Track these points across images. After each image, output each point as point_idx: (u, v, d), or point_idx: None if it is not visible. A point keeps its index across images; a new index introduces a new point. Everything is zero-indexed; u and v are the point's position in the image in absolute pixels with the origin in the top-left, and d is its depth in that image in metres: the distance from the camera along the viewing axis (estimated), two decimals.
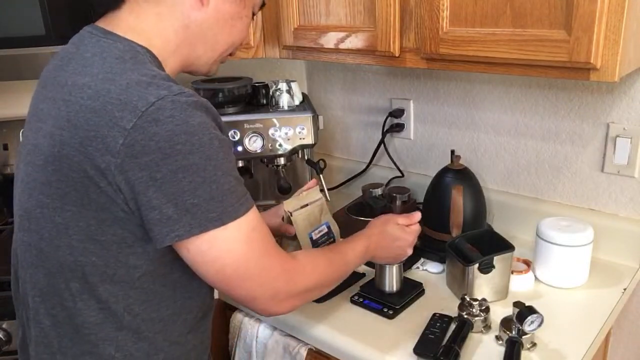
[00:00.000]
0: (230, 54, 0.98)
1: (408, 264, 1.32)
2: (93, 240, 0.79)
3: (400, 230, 1.13)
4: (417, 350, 1.02)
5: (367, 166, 1.75)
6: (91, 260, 0.80)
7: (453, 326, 1.08)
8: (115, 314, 0.82)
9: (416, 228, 1.15)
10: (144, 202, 0.74)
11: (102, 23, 0.85)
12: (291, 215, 1.18)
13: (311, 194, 1.23)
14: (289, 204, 1.19)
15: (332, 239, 1.26)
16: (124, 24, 0.83)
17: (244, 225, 0.79)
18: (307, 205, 1.21)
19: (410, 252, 1.15)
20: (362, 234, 1.10)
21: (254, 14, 0.96)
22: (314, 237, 1.22)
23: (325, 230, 1.24)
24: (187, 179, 0.73)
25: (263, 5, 0.99)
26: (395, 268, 1.17)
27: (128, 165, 0.72)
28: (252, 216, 0.81)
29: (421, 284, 1.23)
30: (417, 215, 1.16)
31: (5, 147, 1.70)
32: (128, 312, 0.83)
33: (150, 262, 0.81)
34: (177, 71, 0.91)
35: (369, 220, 1.45)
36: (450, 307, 1.16)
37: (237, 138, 1.39)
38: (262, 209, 1.26)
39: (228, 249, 0.78)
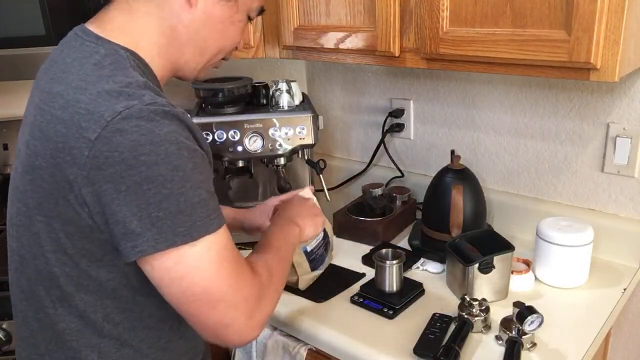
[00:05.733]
0: (224, 58, 0.96)
1: (408, 264, 1.32)
2: (63, 252, 0.78)
3: (311, 205, 1.15)
4: (417, 350, 1.02)
5: (367, 166, 1.75)
6: (64, 271, 0.79)
7: (453, 326, 1.08)
8: (94, 323, 0.81)
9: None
10: (109, 216, 0.72)
11: (91, 24, 0.83)
12: None
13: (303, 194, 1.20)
14: None
15: (327, 242, 1.24)
16: (112, 23, 0.82)
17: (215, 242, 0.75)
18: None
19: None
20: (286, 222, 1.05)
21: (250, 19, 0.94)
22: (309, 249, 1.19)
23: (322, 235, 1.22)
24: (152, 190, 0.70)
25: (262, 11, 0.95)
26: (395, 268, 1.17)
27: (94, 177, 0.71)
28: (223, 234, 0.77)
29: (421, 284, 1.23)
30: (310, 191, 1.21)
31: (5, 147, 1.71)
32: (107, 321, 0.81)
33: (123, 275, 0.79)
34: (167, 75, 0.88)
35: (369, 220, 1.47)
36: (450, 307, 1.16)
37: (237, 138, 1.39)
38: None
39: (196, 266, 0.73)
